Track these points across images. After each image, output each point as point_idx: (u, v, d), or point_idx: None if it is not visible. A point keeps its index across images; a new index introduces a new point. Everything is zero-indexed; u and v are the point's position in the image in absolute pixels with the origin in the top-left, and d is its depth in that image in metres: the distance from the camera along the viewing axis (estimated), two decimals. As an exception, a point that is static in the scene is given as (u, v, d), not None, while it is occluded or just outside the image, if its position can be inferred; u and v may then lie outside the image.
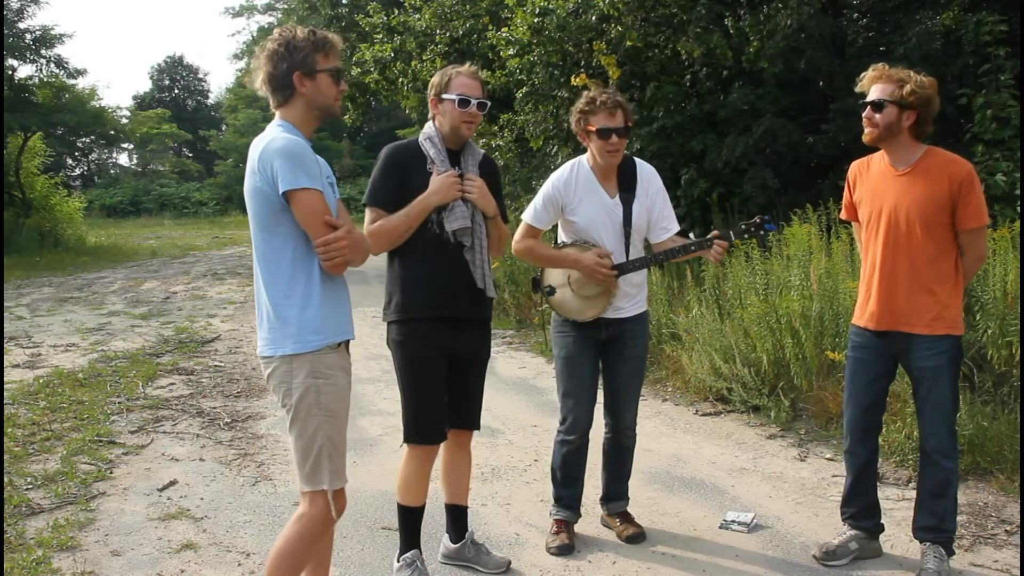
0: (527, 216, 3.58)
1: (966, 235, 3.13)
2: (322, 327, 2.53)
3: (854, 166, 3.40)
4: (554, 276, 3.55)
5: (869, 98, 3.17)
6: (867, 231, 3.28)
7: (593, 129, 3.41)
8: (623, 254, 3.47)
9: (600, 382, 3.65)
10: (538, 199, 3.56)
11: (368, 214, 3.16)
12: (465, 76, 3.18)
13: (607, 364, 3.61)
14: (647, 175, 3.57)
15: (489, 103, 3.24)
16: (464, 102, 3.13)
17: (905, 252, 3.15)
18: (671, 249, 3.51)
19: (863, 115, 3.19)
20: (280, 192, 2.42)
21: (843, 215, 3.50)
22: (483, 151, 3.33)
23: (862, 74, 3.25)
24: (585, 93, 3.50)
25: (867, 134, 3.21)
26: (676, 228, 3.58)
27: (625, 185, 3.52)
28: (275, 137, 2.47)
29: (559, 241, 3.60)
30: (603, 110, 3.39)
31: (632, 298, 3.55)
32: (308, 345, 2.51)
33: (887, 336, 3.23)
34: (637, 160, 3.60)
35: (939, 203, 3.08)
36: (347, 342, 2.64)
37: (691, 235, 3.52)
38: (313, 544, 2.61)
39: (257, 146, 2.49)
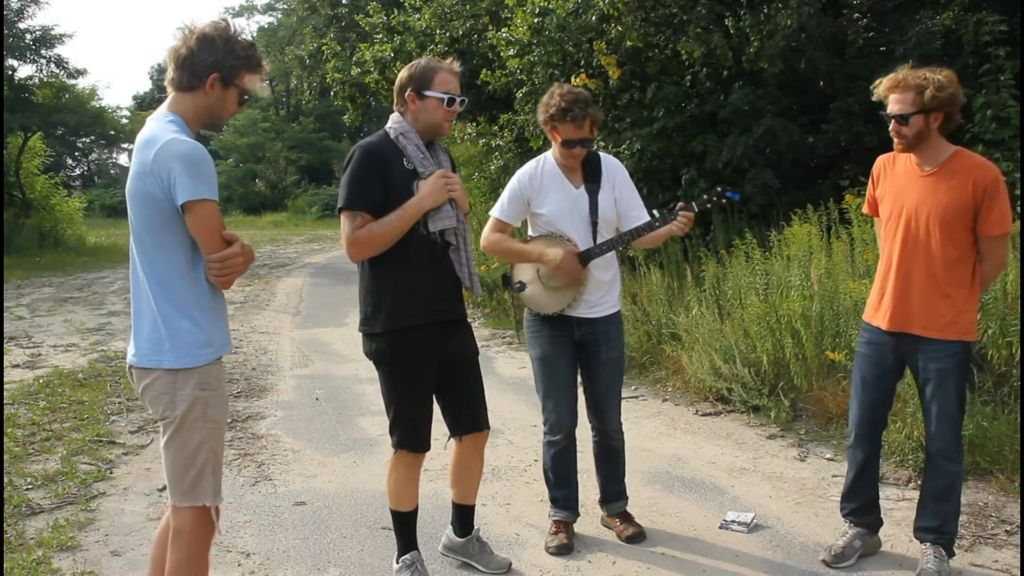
0: (494, 211, 3.59)
1: (986, 241, 3.05)
2: (211, 340, 2.46)
3: (880, 161, 3.32)
4: (524, 272, 3.56)
5: (890, 110, 3.07)
6: (886, 229, 3.22)
7: (559, 139, 3.42)
8: (591, 244, 3.47)
9: (581, 386, 3.64)
10: (505, 194, 3.58)
11: (349, 219, 2.97)
12: (448, 73, 3.07)
13: (585, 369, 3.61)
14: (612, 167, 3.58)
15: (466, 99, 3.19)
16: (452, 101, 3.06)
17: (922, 255, 3.09)
18: (635, 228, 3.47)
19: (889, 128, 3.10)
20: (178, 202, 2.28)
21: (865, 209, 3.44)
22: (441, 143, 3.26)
23: (877, 80, 3.14)
24: (556, 91, 3.42)
25: (897, 145, 3.13)
26: (647, 217, 3.52)
27: (590, 176, 3.52)
28: (173, 138, 2.29)
29: (528, 236, 3.60)
30: (571, 122, 3.37)
31: (603, 293, 3.53)
32: (199, 359, 2.42)
33: (898, 336, 3.19)
34: (600, 153, 3.62)
35: (961, 207, 3.01)
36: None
37: (654, 212, 3.47)
38: (204, 562, 2.51)
39: (149, 145, 2.31)
